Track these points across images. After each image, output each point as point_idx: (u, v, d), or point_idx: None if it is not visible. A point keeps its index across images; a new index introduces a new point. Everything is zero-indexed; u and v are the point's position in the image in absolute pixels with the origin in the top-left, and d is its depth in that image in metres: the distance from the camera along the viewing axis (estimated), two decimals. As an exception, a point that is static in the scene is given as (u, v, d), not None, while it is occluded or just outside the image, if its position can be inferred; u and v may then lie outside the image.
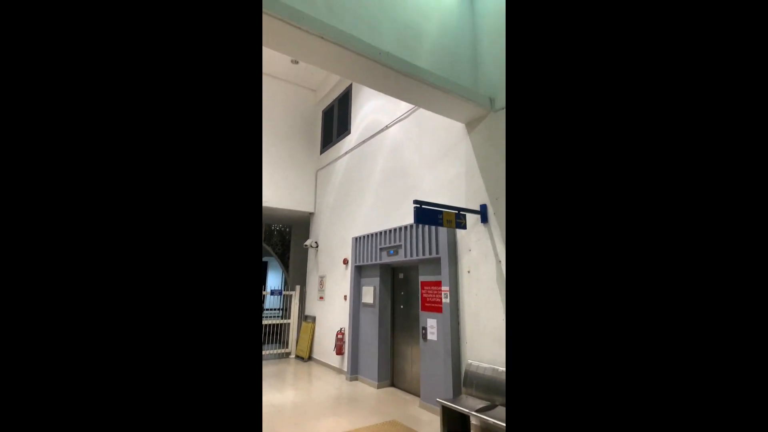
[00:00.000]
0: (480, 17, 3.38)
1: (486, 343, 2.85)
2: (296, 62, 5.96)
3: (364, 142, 5.08)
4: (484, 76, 3.24)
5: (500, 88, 3.07)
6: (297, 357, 5.86)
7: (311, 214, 6.33)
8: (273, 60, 5.90)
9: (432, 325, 3.38)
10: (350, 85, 5.71)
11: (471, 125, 3.31)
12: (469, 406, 2.62)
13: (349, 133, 5.53)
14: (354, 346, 4.53)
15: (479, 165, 3.17)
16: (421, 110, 3.95)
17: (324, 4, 2.26)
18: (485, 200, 3.05)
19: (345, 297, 4.92)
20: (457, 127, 3.44)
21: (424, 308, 3.52)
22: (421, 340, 3.50)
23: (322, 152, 6.36)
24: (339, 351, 4.78)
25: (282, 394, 3.88)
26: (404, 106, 4.26)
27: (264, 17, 1.95)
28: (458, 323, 3.14)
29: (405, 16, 2.78)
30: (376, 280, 4.39)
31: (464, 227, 2.96)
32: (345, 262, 5.01)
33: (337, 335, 4.89)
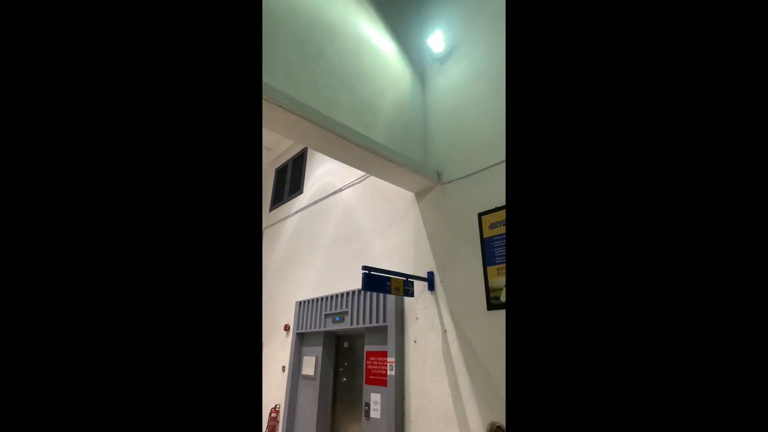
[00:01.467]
0: (430, 100, 3.74)
1: (431, 421, 2.70)
2: (253, 121, 6.03)
3: (316, 202, 5.08)
4: (432, 152, 3.50)
5: (447, 163, 3.32)
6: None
7: (254, 273, 5.97)
8: (230, 117, 5.92)
9: (376, 400, 3.16)
10: (306, 147, 5.85)
11: (420, 195, 3.48)
12: (413, 498, 2.38)
13: (302, 192, 5.53)
14: (289, 425, 4.05)
15: (427, 233, 3.28)
16: (374, 177, 4.10)
17: (284, 76, 2.38)
18: (432, 268, 3.11)
19: (283, 368, 4.50)
20: (407, 196, 3.59)
21: (369, 381, 3.31)
22: (363, 418, 3.23)
23: (270, 210, 6.23)
24: (271, 432, 4.24)
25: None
26: (357, 172, 4.41)
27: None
28: (403, 398, 2.97)
29: (362, 92, 3.00)
30: (319, 350, 4.10)
31: (412, 295, 2.95)
32: (286, 328, 4.67)
33: (270, 413, 4.36)
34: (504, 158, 2.83)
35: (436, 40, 3.61)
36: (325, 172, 5.15)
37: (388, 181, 3.36)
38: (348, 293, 3.82)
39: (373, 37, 3.33)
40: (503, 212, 2.71)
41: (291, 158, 6.14)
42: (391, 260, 3.52)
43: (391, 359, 3.09)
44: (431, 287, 3.05)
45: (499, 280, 2.57)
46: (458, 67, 3.55)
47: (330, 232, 4.59)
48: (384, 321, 3.27)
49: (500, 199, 2.75)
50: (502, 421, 2.21)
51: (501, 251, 2.64)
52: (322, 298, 4.16)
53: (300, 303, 4.51)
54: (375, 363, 3.31)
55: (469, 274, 2.79)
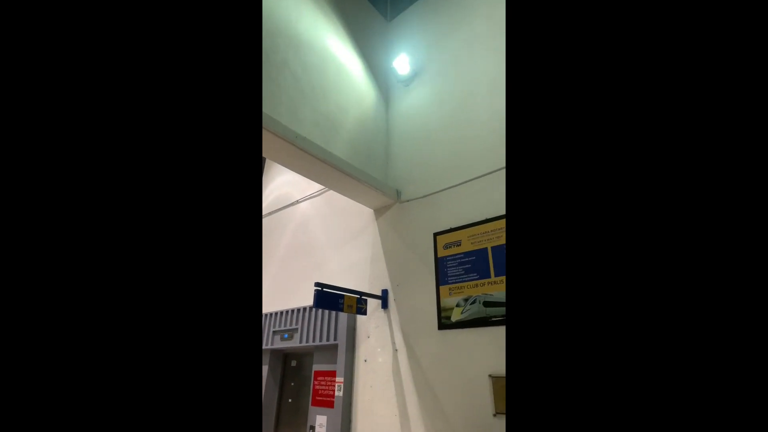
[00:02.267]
0: (393, 120, 3.82)
1: (378, 444, 2.64)
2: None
3: (272, 213, 4.92)
4: (393, 170, 3.55)
5: (406, 182, 3.37)
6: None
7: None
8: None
9: (321, 423, 3.03)
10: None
11: (379, 212, 3.49)
12: None
13: (258, 202, 5.34)
14: (226, 451, 3.76)
15: (384, 250, 3.28)
16: (333, 191, 4.07)
17: (246, 82, 2.32)
18: (387, 285, 3.10)
19: (224, 387, 4.21)
20: (366, 212, 3.59)
21: (315, 403, 3.18)
22: (307, 441, 3.08)
23: (224, 218, 5.94)
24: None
25: None
26: (317, 184, 4.35)
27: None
28: (350, 420, 2.88)
29: (325, 107, 2.99)
30: (265, 369, 3.90)
31: (364, 313, 2.91)
32: (231, 344, 4.40)
33: (206, 437, 4.03)
34: (460, 182, 2.93)
35: (401, 62, 3.71)
36: (283, 182, 5.03)
37: (348, 197, 3.35)
38: (299, 309, 3.69)
39: (340, 53, 3.37)
40: (457, 233, 2.79)
41: (249, 166, 5.94)
42: (347, 276, 3.47)
43: (339, 379, 3.01)
44: (385, 305, 3.03)
45: (451, 300, 2.62)
46: (422, 91, 3.67)
47: (285, 245, 4.45)
48: (335, 339, 3.19)
49: (455, 221, 2.83)
50: (447, 443, 2.21)
51: (453, 271, 2.70)
52: (271, 314, 3.98)
53: (247, 318, 4.28)
54: (323, 383, 3.20)
55: (422, 293, 2.82)
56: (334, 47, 3.31)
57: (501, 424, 2.11)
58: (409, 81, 3.79)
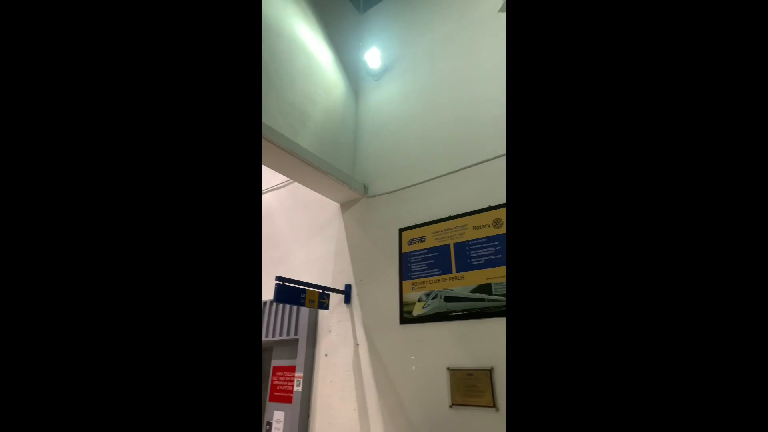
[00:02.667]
0: (362, 114, 3.79)
1: (336, 438, 2.63)
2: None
3: (234, 204, 4.74)
4: (360, 165, 3.53)
5: (374, 177, 3.37)
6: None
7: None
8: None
9: (279, 419, 2.98)
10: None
11: (345, 206, 3.46)
12: None
13: (219, 192, 5.12)
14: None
15: (349, 244, 3.26)
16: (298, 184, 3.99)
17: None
18: (351, 280, 3.09)
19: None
20: (332, 206, 3.54)
21: (273, 398, 3.12)
22: (264, 438, 3.02)
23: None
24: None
25: None
26: (281, 176, 4.24)
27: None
28: (308, 415, 2.85)
29: (292, 96, 2.91)
30: (222, 363, 3.76)
31: (327, 308, 2.88)
32: (186, 339, 4.21)
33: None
34: (427, 178, 2.96)
35: (373, 56, 3.69)
36: (247, 173, 4.85)
37: (314, 190, 3.29)
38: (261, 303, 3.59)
39: (309, 42, 3.29)
40: (422, 229, 2.82)
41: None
42: (310, 270, 3.42)
43: (299, 374, 2.96)
44: (348, 300, 3.02)
45: (413, 295, 2.65)
46: (392, 86, 3.66)
47: (247, 237, 4.31)
48: (295, 334, 3.13)
49: (421, 217, 2.86)
50: (404, 435, 2.24)
51: (417, 266, 2.73)
52: (230, 308, 3.84)
53: (204, 312, 4.11)
54: (281, 378, 3.14)
55: (385, 288, 2.83)
56: (303, 35, 3.23)
57: (456, 414, 2.17)
58: (379, 75, 3.77)
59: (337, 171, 3.09)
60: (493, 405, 2.05)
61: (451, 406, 2.20)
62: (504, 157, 2.60)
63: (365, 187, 3.36)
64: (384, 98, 3.67)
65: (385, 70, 3.75)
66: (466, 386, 2.18)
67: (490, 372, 2.13)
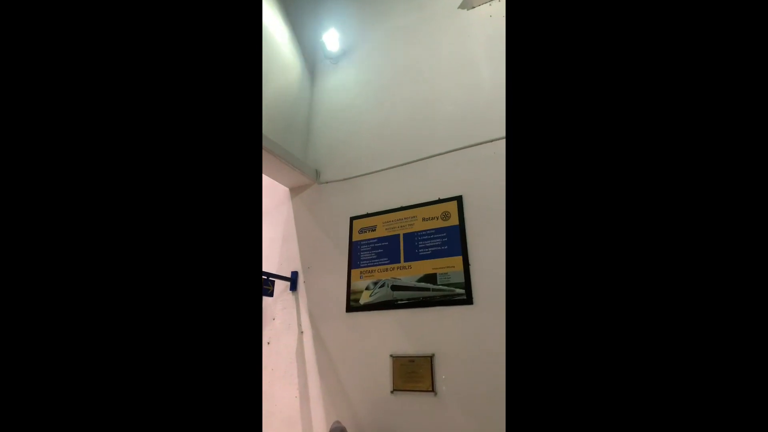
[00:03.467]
0: (318, 97, 3.68)
1: (275, 425, 2.59)
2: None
3: (173, 182, 4.40)
4: (313, 150, 3.43)
5: (326, 163, 3.29)
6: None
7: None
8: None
9: (216, 408, 2.86)
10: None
11: (295, 191, 3.36)
12: None
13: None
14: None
15: (297, 231, 3.18)
16: (247, 165, 3.79)
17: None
18: (297, 267, 3.02)
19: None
20: (281, 190, 3.42)
21: (210, 387, 2.98)
22: (198, 428, 2.88)
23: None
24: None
25: None
26: (229, 156, 4.00)
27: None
28: (248, 404, 2.77)
29: (243, 71, 2.74)
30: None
31: (271, 295, 2.80)
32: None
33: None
34: (380, 168, 2.96)
35: (331, 38, 3.57)
36: (189, 150, 4.51)
37: (264, 173, 3.14)
38: (199, 289, 3.39)
39: (264, 14, 3.10)
40: (373, 218, 2.82)
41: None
42: (255, 256, 3.28)
43: (239, 362, 2.86)
44: (293, 287, 2.95)
45: (361, 283, 2.66)
46: (350, 71, 3.58)
47: (186, 219, 4.03)
48: (237, 321, 3.01)
49: (373, 206, 2.86)
50: (343, 419, 2.26)
51: (366, 255, 2.74)
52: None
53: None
54: (220, 367, 3.01)
55: (333, 276, 2.81)
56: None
57: (396, 400, 2.24)
58: (337, 59, 3.67)
59: (288, 155, 2.98)
60: (432, 389, 2.14)
61: (392, 392, 2.26)
62: (457, 152, 2.67)
63: (317, 173, 3.28)
64: (341, 83, 3.59)
65: (344, 54, 3.66)
66: (408, 372, 2.25)
67: (431, 358, 2.22)
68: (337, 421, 2.22)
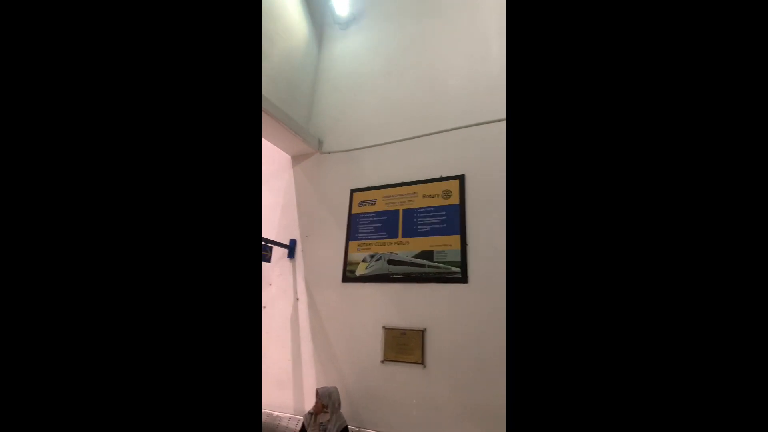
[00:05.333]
0: (324, 63, 3.57)
1: (267, 387, 2.69)
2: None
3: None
4: (317, 118, 3.36)
5: (329, 133, 3.24)
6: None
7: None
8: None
9: (211, 366, 2.96)
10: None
11: (297, 159, 3.32)
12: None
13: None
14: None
15: (297, 200, 3.17)
16: (249, 130, 3.72)
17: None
18: (296, 235, 3.04)
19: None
20: (282, 157, 3.38)
21: (206, 346, 3.07)
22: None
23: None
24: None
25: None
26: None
27: None
28: (242, 364, 2.87)
29: (248, 30, 2.64)
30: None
31: (268, 260, 2.83)
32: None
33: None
34: (384, 141, 2.92)
35: (340, 1, 3.42)
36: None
37: (265, 138, 3.09)
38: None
39: (273, -29, 2.95)
40: (374, 192, 2.81)
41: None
42: (254, 222, 3.29)
43: (235, 324, 2.93)
44: (291, 255, 2.98)
45: (358, 255, 2.69)
46: (358, 38, 3.46)
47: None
48: (234, 284, 3.06)
49: (374, 180, 2.85)
50: (333, 385, 2.35)
51: (365, 228, 2.75)
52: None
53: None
54: (216, 327, 3.09)
55: (331, 246, 2.83)
56: (266, -39, 2.88)
57: (386, 369, 2.31)
58: (346, 24, 3.54)
59: (292, 121, 2.93)
60: (422, 362, 2.21)
61: (382, 362, 2.33)
62: (463, 129, 2.63)
63: (320, 142, 3.24)
64: (348, 50, 3.47)
65: (353, 20, 3.52)
66: (399, 344, 2.32)
67: (422, 333, 2.27)
68: (329, 387, 2.30)
